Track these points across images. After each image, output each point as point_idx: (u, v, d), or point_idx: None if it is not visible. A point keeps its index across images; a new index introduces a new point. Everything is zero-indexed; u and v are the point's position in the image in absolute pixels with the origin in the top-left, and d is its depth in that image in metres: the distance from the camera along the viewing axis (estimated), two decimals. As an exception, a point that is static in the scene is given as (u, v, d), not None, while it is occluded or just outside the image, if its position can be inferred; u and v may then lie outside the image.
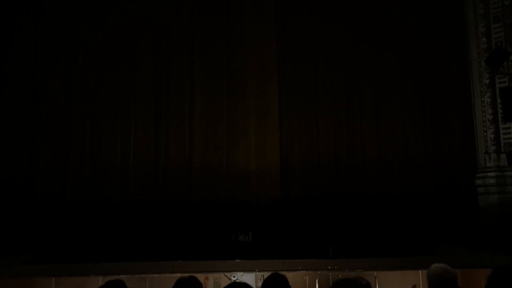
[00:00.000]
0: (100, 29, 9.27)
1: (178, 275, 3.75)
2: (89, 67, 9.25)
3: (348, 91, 9.35)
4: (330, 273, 6.00)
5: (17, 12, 9.07)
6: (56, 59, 9.17)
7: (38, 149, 8.89)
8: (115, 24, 9.31)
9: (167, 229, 8.56)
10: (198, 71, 9.39)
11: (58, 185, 8.82)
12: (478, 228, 7.97)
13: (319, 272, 6.04)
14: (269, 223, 8.71)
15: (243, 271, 6.12)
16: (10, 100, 8.89)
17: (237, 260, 7.27)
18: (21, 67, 8.99)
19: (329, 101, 9.32)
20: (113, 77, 9.24)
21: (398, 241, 8.31)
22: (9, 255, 7.32)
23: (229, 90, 9.32)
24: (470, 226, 8.05)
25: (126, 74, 9.28)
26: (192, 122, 9.23)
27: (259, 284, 5.57)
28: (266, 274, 5.00)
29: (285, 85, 9.35)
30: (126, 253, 7.79)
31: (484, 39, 8.64)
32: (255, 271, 6.08)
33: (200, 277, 3.97)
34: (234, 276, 5.99)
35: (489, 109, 8.53)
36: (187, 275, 3.26)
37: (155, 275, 6.06)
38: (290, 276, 4.65)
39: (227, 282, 4.15)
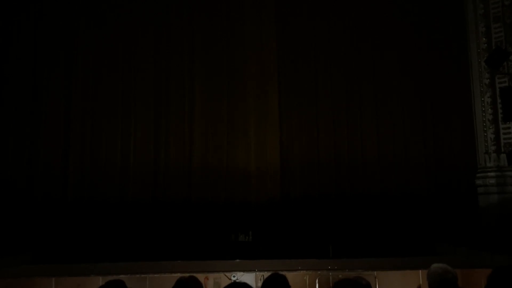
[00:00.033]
0: (100, 29, 9.28)
1: (178, 275, 3.75)
2: (89, 67, 9.25)
3: (348, 91, 9.35)
4: (330, 273, 6.00)
5: (17, 12, 9.07)
6: (56, 59, 9.18)
7: (38, 149, 8.89)
8: (115, 24, 9.31)
9: (167, 229, 8.56)
10: (198, 71, 9.39)
11: (58, 185, 8.83)
12: (478, 228, 7.97)
13: (319, 272, 6.05)
14: (269, 223, 8.71)
15: (243, 271, 6.12)
16: (10, 100, 8.89)
17: (237, 260, 7.29)
18: (21, 67, 8.99)
19: (329, 101, 9.32)
20: (113, 77, 9.25)
21: (398, 241, 8.31)
22: (9, 255, 7.33)
23: (229, 90, 9.32)
24: (470, 226, 8.05)
25: (126, 74, 9.28)
26: (192, 122, 9.23)
27: (259, 284, 5.57)
28: (266, 274, 5.02)
29: (285, 85, 9.35)
30: (126, 253, 7.80)
31: (484, 39, 8.64)
32: (255, 271, 6.08)
33: (200, 277, 3.96)
34: (234, 276, 5.99)
35: (489, 109, 8.53)
36: (187, 275, 3.26)
37: (155, 275, 6.07)
38: (290, 276, 4.63)
39: (227, 282, 4.14)
